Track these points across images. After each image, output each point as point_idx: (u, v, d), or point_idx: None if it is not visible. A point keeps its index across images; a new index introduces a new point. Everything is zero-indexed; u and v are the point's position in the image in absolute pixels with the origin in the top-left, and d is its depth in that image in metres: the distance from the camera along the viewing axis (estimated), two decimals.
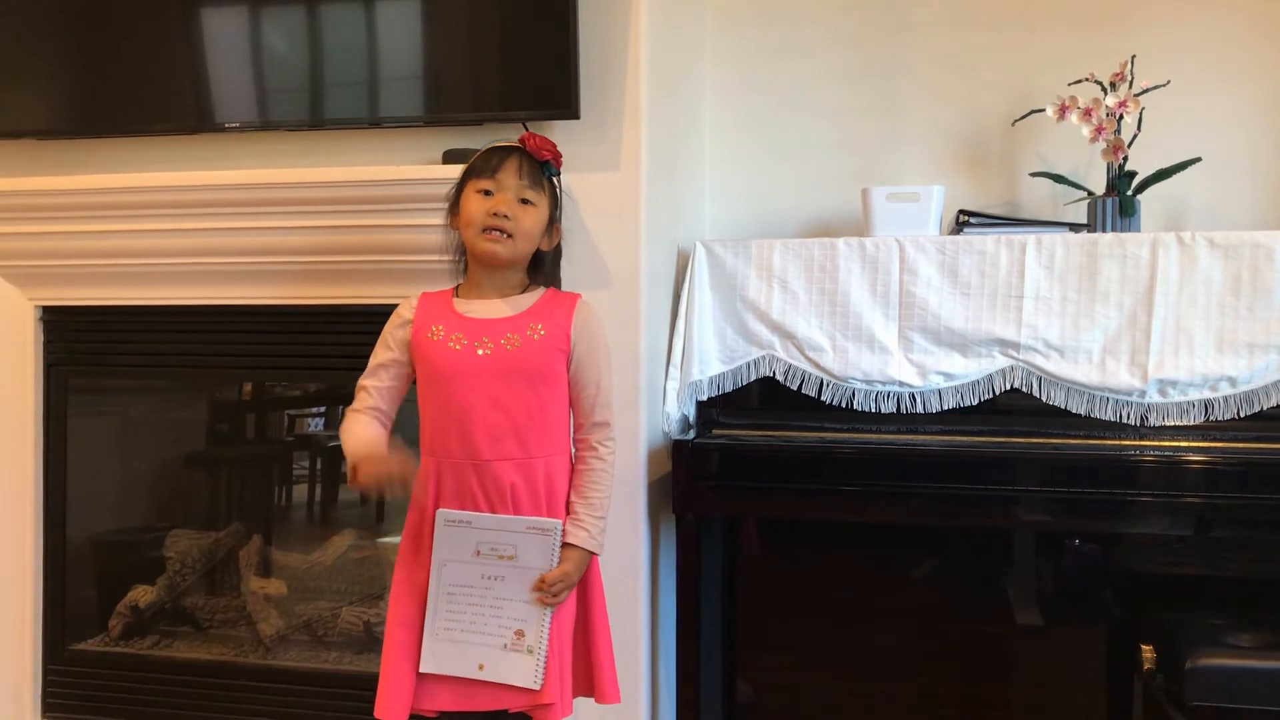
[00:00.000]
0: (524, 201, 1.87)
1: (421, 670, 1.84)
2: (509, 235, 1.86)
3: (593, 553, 1.89)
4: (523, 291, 1.94)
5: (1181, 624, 2.19)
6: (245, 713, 2.58)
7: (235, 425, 2.90)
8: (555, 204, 1.94)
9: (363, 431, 1.89)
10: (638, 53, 2.29)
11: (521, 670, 1.82)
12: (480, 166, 1.89)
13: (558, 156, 1.92)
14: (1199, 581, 2.32)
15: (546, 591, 1.83)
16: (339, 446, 2.80)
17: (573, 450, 1.95)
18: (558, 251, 2.02)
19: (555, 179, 1.94)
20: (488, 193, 1.87)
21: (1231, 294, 2.26)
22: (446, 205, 1.95)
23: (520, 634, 1.83)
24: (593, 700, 1.93)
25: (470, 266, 1.95)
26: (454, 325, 1.88)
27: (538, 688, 1.82)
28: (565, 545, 1.86)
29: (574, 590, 1.89)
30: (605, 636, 1.93)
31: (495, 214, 1.85)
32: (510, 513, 1.85)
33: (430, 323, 1.89)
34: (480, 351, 1.85)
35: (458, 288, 1.97)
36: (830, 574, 2.45)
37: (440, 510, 1.84)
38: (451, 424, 1.85)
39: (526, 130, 1.95)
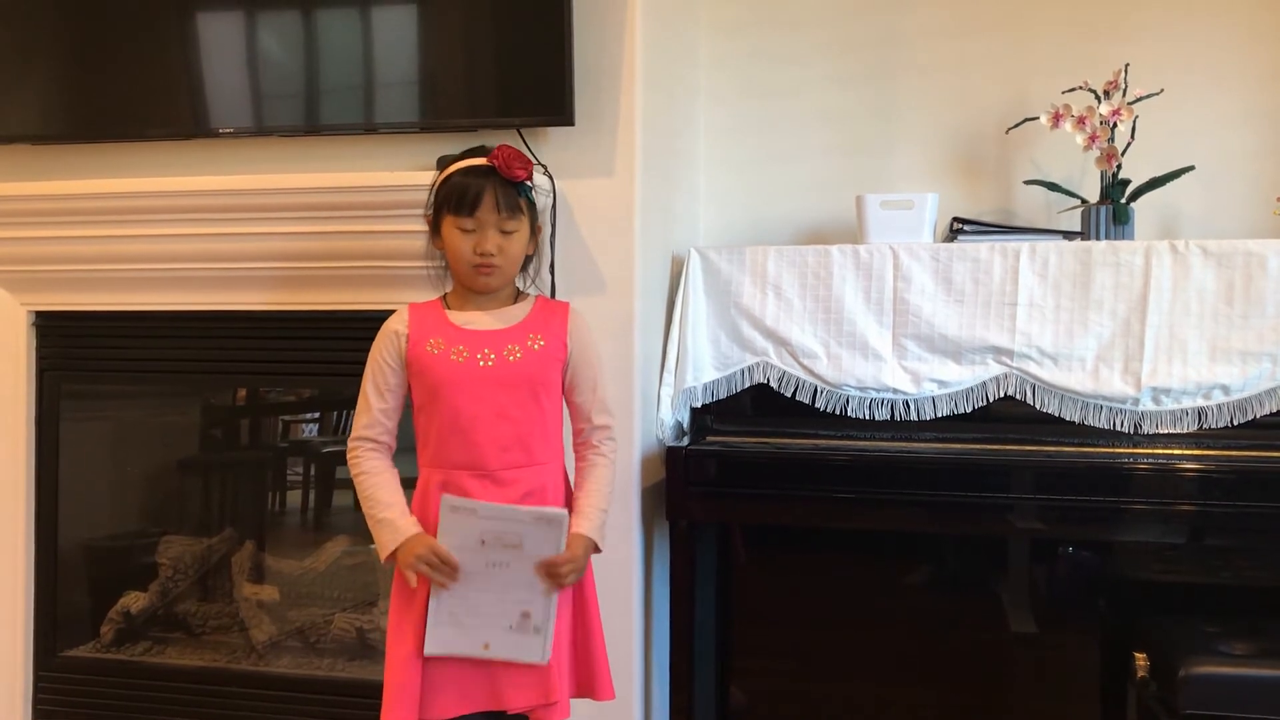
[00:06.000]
0: (506, 232, 1.87)
1: (425, 654, 1.83)
2: (498, 266, 1.87)
3: (595, 543, 1.89)
4: (515, 301, 1.96)
5: (1175, 632, 2.19)
6: (237, 719, 2.57)
7: (228, 431, 2.90)
8: (535, 213, 1.94)
9: (398, 520, 1.86)
10: (632, 59, 2.29)
11: (528, 648, 1.82)
12: (457, 201, 1.86)
13: (529, 169, 1.90)
14: (1193, 589, 2.32)
15: (555, 575, 1.81)
16: (332, 453, 2.84)
17: (572, 455, 1.97)
18: (538, 253, 2.04)
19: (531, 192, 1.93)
20: (470, 230, 1.86)
21: (1225, 302, 2.27)
22: (426, 221, 1.95)
23: (527, 615, 1.82)
24: (587, 702, 1.93)
25: (457, 282, 1.95)
26: (453, 338, 1.88)
27: (545, 662, 1.82)
28: (572, 535, 1.86)
29: (569, 592, 1.89)
30: (600, 635, 1.94)
31: (482, 253, 1.86)
32: None
33: (427, 336, 1.89)
34: (483, 363, 1.86)
35: (445, 297, 1.97)
36: (824, 581, 2.45)
37: (445, 496, 1.82)
38: (458, 435, 1.86)
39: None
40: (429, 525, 1.86)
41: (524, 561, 1.81)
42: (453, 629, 1.83)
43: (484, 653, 1.83)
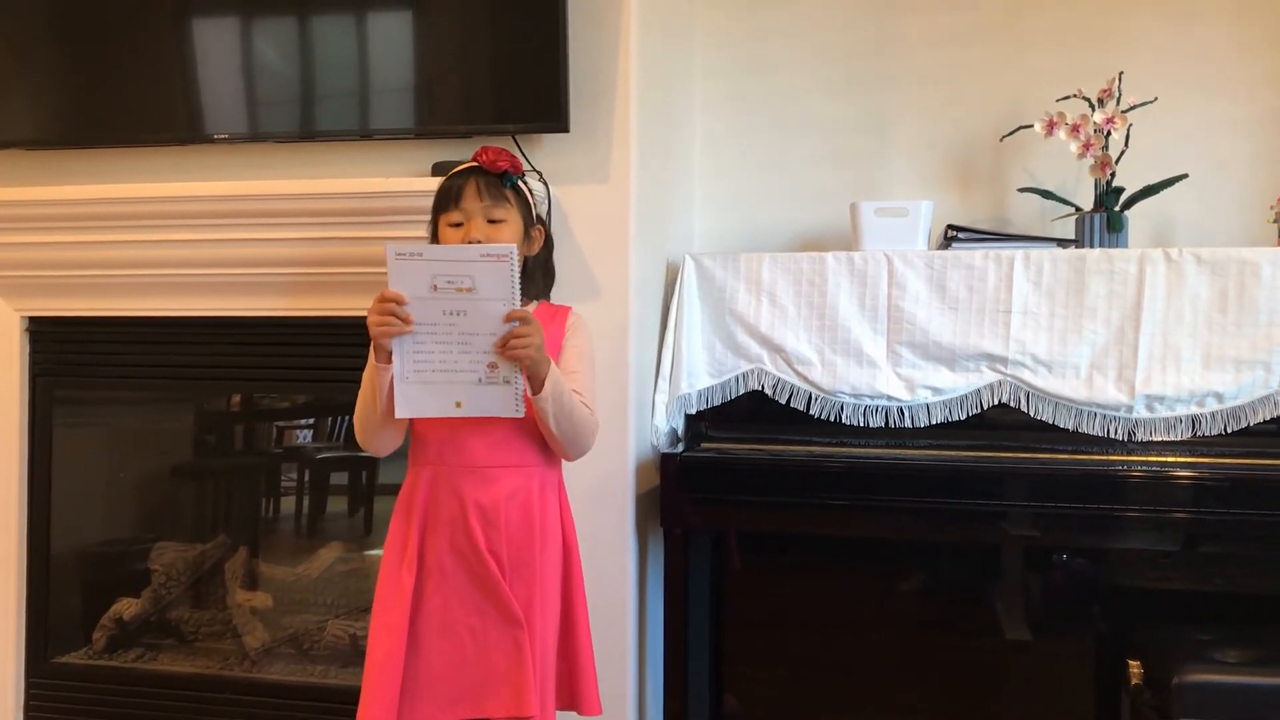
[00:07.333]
0: (493, 221, 1.88)
1: (397, 416, 1.81)
2: None
3: (544, 380, 1.79)
4: None
5: (1169, 639, 2.19)
6: None
7: (222, 437, 2.89)
8: (528, 210, 1.94)
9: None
10: (628, 66, 2.29)
11: (502, 400, 1.79)
12: (443, 200, 1.90)
13: (516, 164, 1.91)
14: (1186, 597, 2.31)
15: (512, 328, 1.75)
16: (326, 459, 2.83)
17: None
18: (546, 255, 2.03)
19: (523, 185, 1.94)
20: (459, 223, 1.88)
21: (1218, 310, 2.27)
22: (428, 239, 1.96)
23: (493, 367, 1.78)
24: (575, 713, 1.92)
25: None
26: None
27: (520, 415, 1.79)
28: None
29: (557, 602, 1.89)
30: (588, 647, 1.92)
31: (470, 241, 1.86)
32: (503, 528, 1.84)
33: None
34: None
35: None
36: (818, 588, 2.45)
37: (388, 245, 1.78)
38: (448, 431, 1.85)
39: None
40: (413, 518, 1.86)
41: (481, 308, 1.76)
42: (420, 387, 1.79)
43: (457, 411, 1.79)
